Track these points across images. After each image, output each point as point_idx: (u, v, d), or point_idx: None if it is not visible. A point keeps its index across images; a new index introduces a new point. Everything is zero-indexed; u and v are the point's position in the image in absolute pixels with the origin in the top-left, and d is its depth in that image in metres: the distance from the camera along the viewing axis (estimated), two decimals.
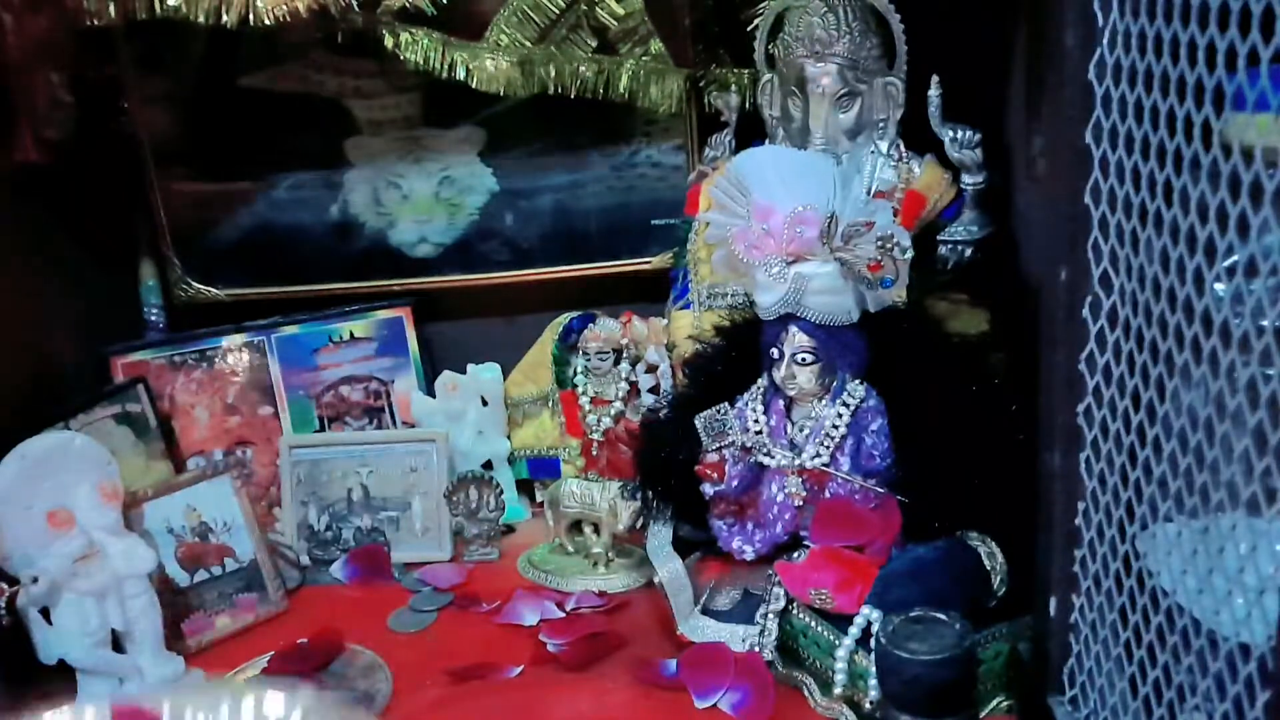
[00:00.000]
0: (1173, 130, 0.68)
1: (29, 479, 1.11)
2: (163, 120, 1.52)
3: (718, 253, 1.15)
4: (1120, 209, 0.76)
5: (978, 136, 1.25)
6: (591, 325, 1.46)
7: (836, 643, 1.00)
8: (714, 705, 1.05)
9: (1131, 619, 0.78)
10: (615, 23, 1.40)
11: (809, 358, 1.07)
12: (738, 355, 1.17)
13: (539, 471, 1.52)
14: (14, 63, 1.31)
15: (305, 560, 1.41)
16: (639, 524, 1.27)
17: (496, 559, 1.40)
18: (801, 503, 1.10)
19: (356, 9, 1.31)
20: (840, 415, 1.08)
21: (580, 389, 1.46)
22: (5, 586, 1.08)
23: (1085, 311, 0.81)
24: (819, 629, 1.04)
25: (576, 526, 1.37)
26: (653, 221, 1.52)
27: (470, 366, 1.52)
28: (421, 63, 1.37)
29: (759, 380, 1.13)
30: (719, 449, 1.09)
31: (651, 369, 1.44)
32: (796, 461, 1.09)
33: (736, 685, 1.06)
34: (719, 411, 1.09)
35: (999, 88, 1.30)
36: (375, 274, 1.57)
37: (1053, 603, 0.89)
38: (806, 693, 1.05)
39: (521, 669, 1.14)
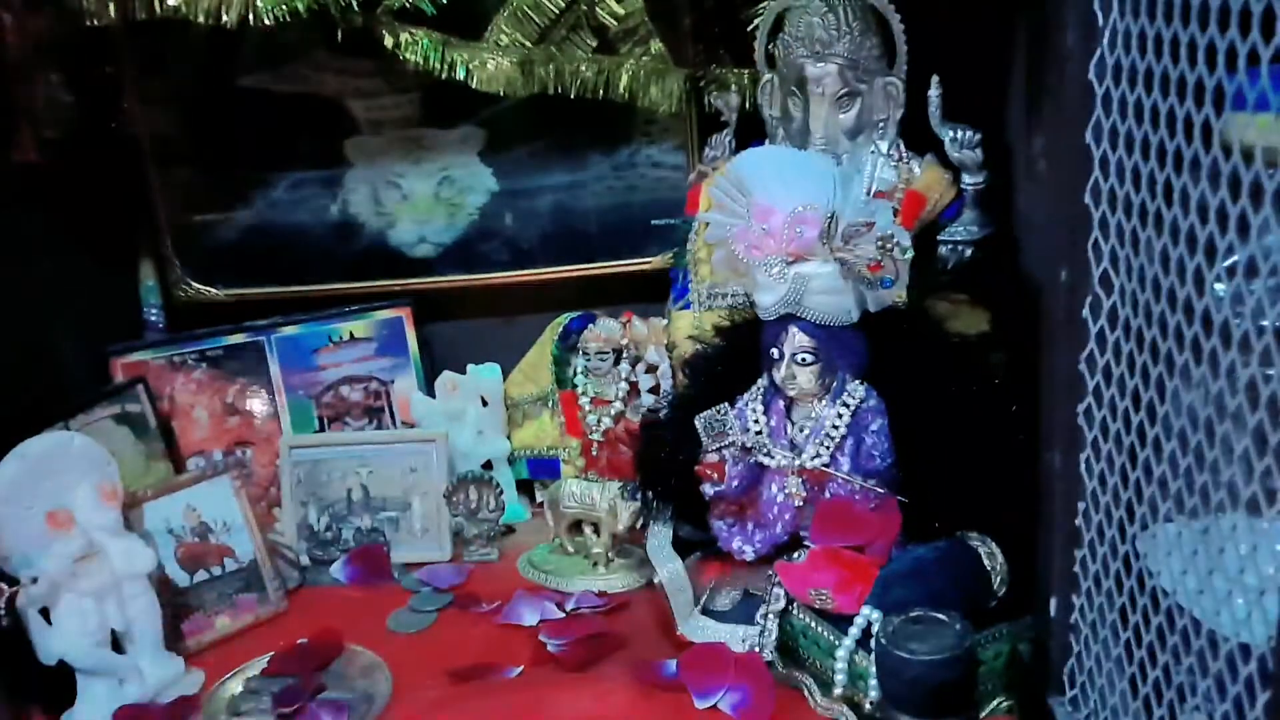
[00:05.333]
0: (1173, 130, 0.68)
1: (29, 479, 1.11)
2: (163, 120, 1.52)
3: (718, 253, 1.14)
4: (1120, 209, 0.76)
5: (978, 136, 1.25)
6: (591, 325, 1.46)
7: (836, 643, 1.00)
8: (714, 705, 1.05)
9: (1131, 619, 0.78)
10: (615, 23, 1.40)
11: (809, 358, 1.07)
12: (738, 355, 1.17)
13: (539, 471, 1.52)
14: (14, 63, 1.31)
15: (305, 560, 1.41)
16: (639, 524, 1.27)
17: (496, 559, 1.40)
18: (801, 503, 1.10)
19: (356, 9, 1.32)
20: (840, 415, 1.08)
21: (580, 389, 1.46)
22: (5, 586, 1.07)
23: (1085, 311, 0.81)
24: (819, 629, 1.04)
25: (576, 526, 1.37)
26: (653, 221, 1.52)
27: (470, 366, 1.52)
28: (421, 63, 1.37)
29: (759, 380, 1.13)
30: (719, 449, 1.09)
31: (651, 369, 1.44)
32: (796, 462, 1.09)
33: (736, 685, 1.05)
34: (719, 411, 1.09)
35: (999, 88, 1.30)
36: (375, 274, 1.57)
37: (1053, 603, 0.89)
38: (806, 693, 1.05)
39: (521, 669, 1.14)
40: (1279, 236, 0.59)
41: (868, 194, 1.20)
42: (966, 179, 1.27)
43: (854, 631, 0.99)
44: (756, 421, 1.11)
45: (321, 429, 1.55)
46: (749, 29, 1.34)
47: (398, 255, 1.57)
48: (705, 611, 1.14)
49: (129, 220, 1.56)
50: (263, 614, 1.29)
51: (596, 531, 1.35)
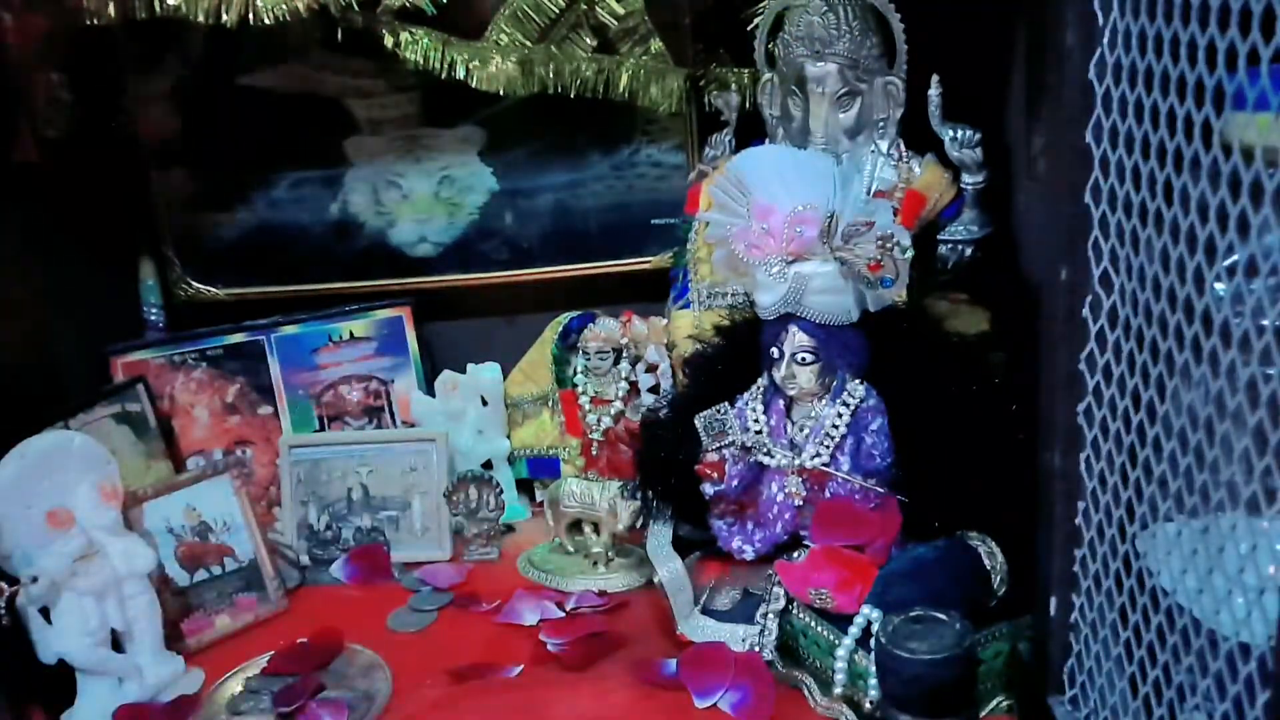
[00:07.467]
0: (1173, 130, 0.68)
1: (29, 478, 1.11)
2: (163, 120, 1.52)
3: (718, 252, 1.14)
4: (1120, 208, 0.76)
5: (978, 136, 1.25)
6: (591, 325, 1.46)
7: (836, 643, 1.00)
8: (714, 705, 1.05)
9: (1131, 619, 0.78)
10: (615, 22, 1.40)
11: (809, 357, 1.07)
12: (738, 355, 1.16)
13: (539, 471, 1.52)
14: (14, 62, 1.31)
15: (305, 560, 1.41)
16: (639, 524, 1.27)
17: (496, 559, 1.40)
18: (801, 502, 1.10)
19: (356, 9, 1.31)
20: (840, 415, 1.08)
21: (580, 388, 1.46)
22: (5, 586, 1.07)
23: (1085, 311, 0.81)
24: (819, 629, 1.04)
25: (576, 526, 1.37)
26: (653, 221, 1.52)
27: (470, 366, 1.52)
28: (421, 62, 1.37)
29: (759, 380, 1.13)
30: (719, 449, 1.09)
31: (651, 369, 1.44)
32: (796, 461, 1.09)
33: (736, 685, 1.05)
34: (719, 411, 1.09)
35: (999, 88, 1.30)
36: (375, 273, 1.57)
37: (1053, 603, 0.89)
38: (806, 693, 1.05)
39: (521, 669, 1.14)
40: (1279, 236, 0.59)
41: (868, 193, 1.20)
42: (966, 178, 1.27)
43: (854, 631, 0.99)
44: (756, 421, 1.11)
45: (321, 428, 1.55)
46: (749, 28, 1.34)
47: (398, 254, 1.57)
48: (705, 611, 1.14)
49: (129, 220, 1.56)
50: (263, 613, 1.29)
51: (596, 531, 1.35)
